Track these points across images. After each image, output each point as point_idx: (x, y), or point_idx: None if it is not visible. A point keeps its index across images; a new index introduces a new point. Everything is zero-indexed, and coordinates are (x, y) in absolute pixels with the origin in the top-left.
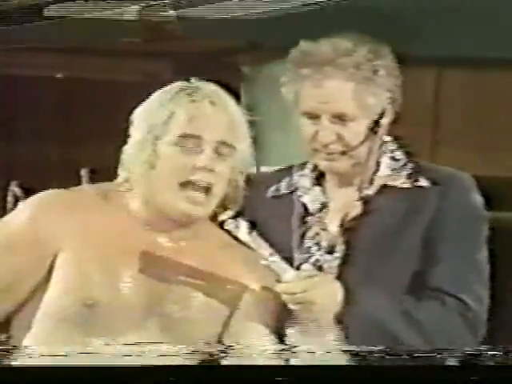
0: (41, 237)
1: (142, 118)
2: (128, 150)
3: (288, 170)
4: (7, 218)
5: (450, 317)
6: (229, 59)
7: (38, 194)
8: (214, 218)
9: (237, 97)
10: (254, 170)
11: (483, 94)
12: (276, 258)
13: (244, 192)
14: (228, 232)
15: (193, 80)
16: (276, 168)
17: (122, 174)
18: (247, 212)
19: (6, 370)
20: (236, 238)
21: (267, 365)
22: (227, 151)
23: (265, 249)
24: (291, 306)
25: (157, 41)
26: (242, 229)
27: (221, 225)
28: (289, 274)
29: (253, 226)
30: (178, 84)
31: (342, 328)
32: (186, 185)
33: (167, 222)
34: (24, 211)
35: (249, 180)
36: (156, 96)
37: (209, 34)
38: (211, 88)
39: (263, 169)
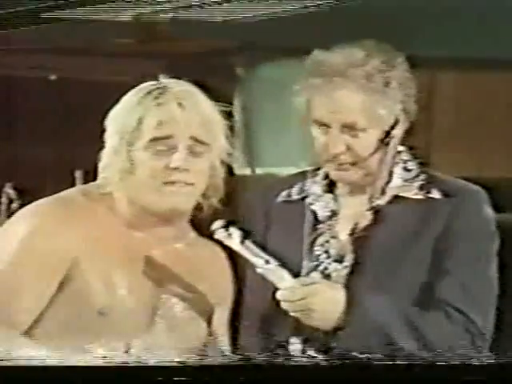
0: (46, 253)
1: (113, 123)
2: (105, 156)
3: (300, 176)
4: (4, 230)
5: (454, 330)
6: (223, 60)
7: (32, 204)
8: (204, 226)
9: (223, 97)
10: (248, 170)
11: (477, 96)
12: (272, 266)
13: (227, 184)
14: (219, 242)
15: (162, 79)
16: (289, 173)
17: (101, 177)
18: (257, 216)
19: (6, 370)
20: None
21: (266, 364)
22: (202, 149)
23: (260, 257)
24: (291, 314)
25: (151, 42)
26: (235, 238)
27: (211, 234)
28: (287, 281)
29: (246, 234)
30: (145, 85)
31: (342, 333)
32: (165, 184)
33: (153, 220)
34: (22, 224)
35: (242, 178)
36: (125, 100)
37: (203, 35)
38: (179, 88)
39: (258, 170)
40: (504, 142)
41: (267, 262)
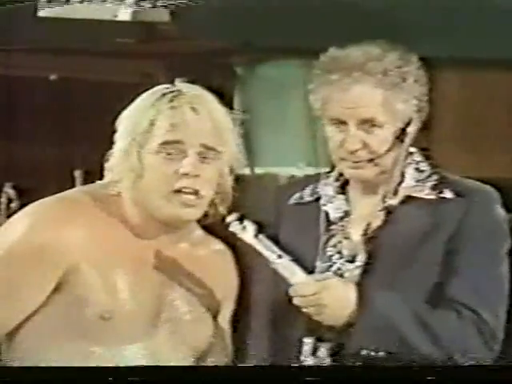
0: (45, 249)
1: (125, 124)
2: (114, 157)
3: (313, 178)
4: (6, 226)
5: (465, 329)
6: (223, 60)
7: (34, 204)
8: (218, 219)
9: (222, 97)
10: (247, 171)
11: (478, 95)
12: (285, 261)
13: (235, 190)
14: (233, 234)
15: (177, 82)
16: (288, 172)
17: (109, 177)
18: (270, 218)
19: (6, 370)
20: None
21: (270, 365)
22: (211, 155)
23: (273, 251)
24: (303, 309)
25: (151, 42)
26: (249, 231)
27: (226, 227)
28: (299, 276)
29: (260, 228)
30: (160, 88)
31: (353, 331)
32: (174, 192)
33: (158, 225)
34: (23, 223)
35: (242, 181)
36: (138, 102)
37: (203, 34)
38: (194, 92)
39: (257, 170)
40: (504, 142)
41: (280, 256)
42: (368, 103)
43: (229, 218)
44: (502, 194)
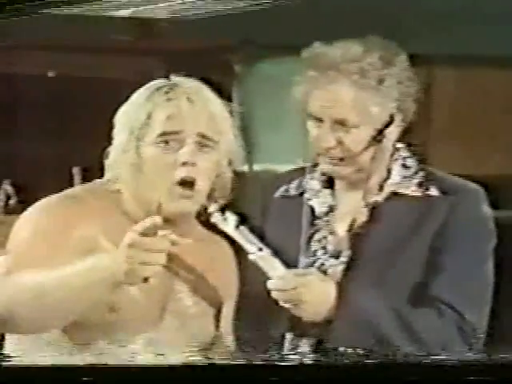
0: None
1: (122, 120)
2: (112, 153)
3: (299, 171)
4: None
5: (445, 328)
6: (222, 57)
7: (37, 204)
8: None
9: (221, 94)
10: (246, 167)
11: (474, 93)
12: (265, 254)
13: (234, 184)
14: (215, 225)
15: (173, 77)
16: (287, 168)
17: (109, 175)
18: (256, 211)
19: (6, 370)
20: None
21: (266, 364)
22: (209, 145)
23: (253, 243)
24: (281, 304)
25: (150, 39)
26: (230, 222)
27: (207, 218)
28: (279, 270)
29: (242, 220)
30: (155, 82)
31: (332, 327)
32: (173, 184)
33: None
34: (28, 224)
35: (240, 178)
36: (134, 97)
37: (202, 32)
38: (190, 84)
39: (256, 167)
40: (501, 139)
41: (260, 249)
42: (341, 104)
43: (210, 209)
44: (497, 191)
